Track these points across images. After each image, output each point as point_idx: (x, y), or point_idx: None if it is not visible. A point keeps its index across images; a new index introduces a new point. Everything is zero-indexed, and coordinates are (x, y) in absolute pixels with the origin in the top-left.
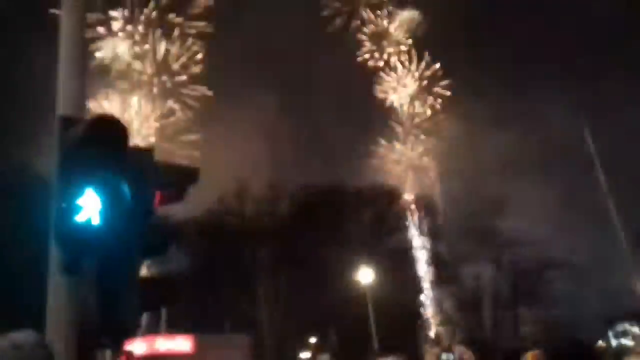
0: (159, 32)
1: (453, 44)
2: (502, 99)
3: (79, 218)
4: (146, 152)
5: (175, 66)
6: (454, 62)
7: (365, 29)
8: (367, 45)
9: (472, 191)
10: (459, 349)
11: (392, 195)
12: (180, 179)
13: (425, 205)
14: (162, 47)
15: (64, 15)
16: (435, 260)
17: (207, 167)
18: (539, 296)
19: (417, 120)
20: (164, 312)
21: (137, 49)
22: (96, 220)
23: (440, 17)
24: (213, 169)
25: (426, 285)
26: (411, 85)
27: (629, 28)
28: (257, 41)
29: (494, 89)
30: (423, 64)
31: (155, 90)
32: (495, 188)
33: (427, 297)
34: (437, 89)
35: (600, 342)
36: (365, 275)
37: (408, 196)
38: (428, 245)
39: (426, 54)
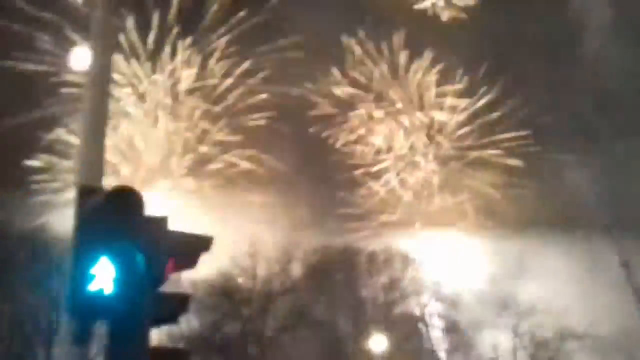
0: None
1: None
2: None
3: (93, 286)
4: (161, 221)
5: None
6: None
7: None
8: None
9: (491, 252)
10: None
11: (407, 259)
12: (193, 248)
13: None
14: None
15: (87, 88)
16: (452, 327)
17: (220, 225)
18: None
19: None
20: None
21: None
22: (109, 289)
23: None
24: (226, 228)
25: (441, 353)
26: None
27: None
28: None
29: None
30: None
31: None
32: (517, 251)
33: None
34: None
35: None
36: (378, 343)
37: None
38: (443, 312)
39: None
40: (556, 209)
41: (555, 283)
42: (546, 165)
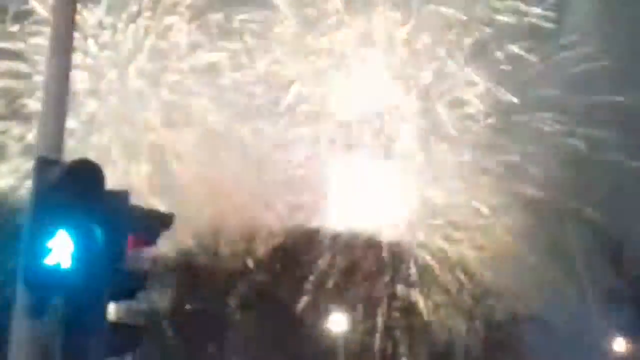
0: None
1: None
2: None
3: (49, 260)
4: (122, 196)
5: None
6: None
7: None
8: None
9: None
10: None
11: (369, 242)
12: (154, 225)
13: (402, 253)
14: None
15: (51, 56)
16: (409, 309)
17: (182, 203)
18: (512, 350)
19: None
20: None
21: None
22: (66, 263)
23: None
24: (189, 206)
25: (398, 333)
26: None
27: None
28: None
29: None
30: None
31: None
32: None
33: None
34: None
35: None
36: (338, 323)
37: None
38: (403, 293)
39: None
40: None
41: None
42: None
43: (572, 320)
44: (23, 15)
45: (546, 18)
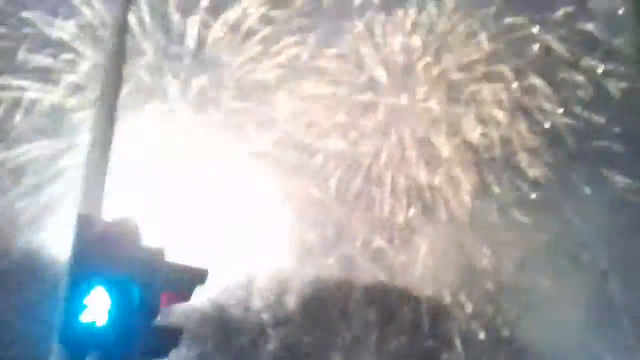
0: None
1: None
2: None
3: (85, 317)
4: (157, 253)
5: None
6: None
7: None
8: None
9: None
10: None
11: (403, 295)
12: (188, 280)
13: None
14: None
15: (95, 119)
16: None
17: (214, 254)
18: None
19: None
20: None
21: None
22: (102, 320)
23: None
24: (220, 257)
25: None
26: None
27: None
28: None
29: None
30: None
31: None
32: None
33: None
34: None
35: None
36: None
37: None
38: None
39: None
40: None
41: None
42: None
43: None
44: None
45: None
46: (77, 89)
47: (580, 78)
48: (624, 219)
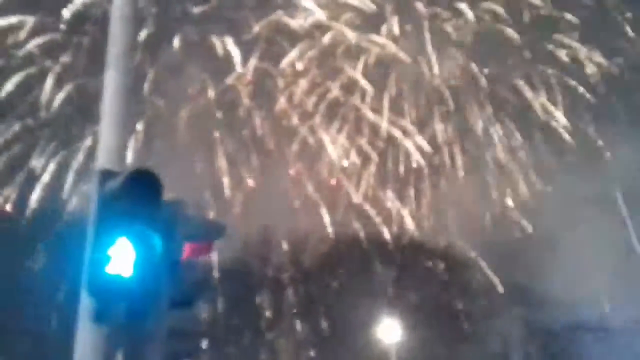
0: None
1: None
2: None
3: (111, 268)
4: (178, 204)
5: None
6: None
7: None
8: None
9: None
10: None
11: (419, 247)
12: (208, 233)
13: (450, 257)
14: None
15: (109, 71)
16: (463, 315)
17: (234, 212)
18: (571, 359)
19: None
20: None
21: None
22: (127, 271)
23: None
24: (239, 215)
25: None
26: None
27: None
28: None
29: None
30: None
31: None
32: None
33: (450, 354)
34: None
35: None
36: (389, 331)
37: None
38: (453, 299)
39: None
40: None
41: None
42: None
43: (635, 330)
44: None
45: None
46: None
47: None
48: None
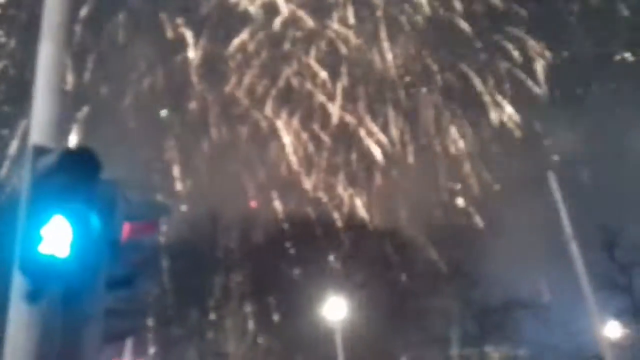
0: None
1: None
2: None
3: (45, 247)
4: (116, 184)
5: None
6: None
7: None
8: None
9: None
10: None
11: (364, 227)
12: (150, 213)
13: (397, 239)
14: None
15: (44, 42)
16: (403, 293)
17: (182, 191)
18: (506, 335)
19: None
20: (129, 340)
21: None
22: (63, 250)
23: None
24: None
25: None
26: None
27: None
28: None
29: None
30: None
31: None
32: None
33: (394, 331)
34: None
35: None
36: (336, 308)
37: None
38: (398, 278)
39: None
40: None
41: None
42: None
43: (566, 307)
44: None
45: None
46: None
47: None
48: None
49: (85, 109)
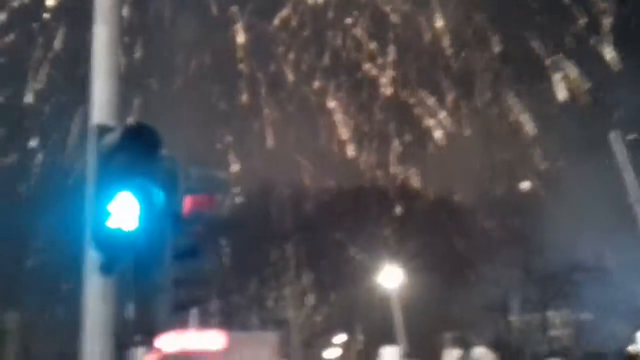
0: None
1: None
2: None
3: (113, 222)
4: (176, 159)
5: None
6: None
7: None
8: None
9: (502, 192)
10: (479, 351)
11: (417, 195)
12: (210, 187)
13: (451, 206)
14: None
15: (98, 25)
16: (459, 260)
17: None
18: (568, 299)
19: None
20: (194, 310)
21: None
22: (130, 224)
23: None
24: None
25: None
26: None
27: None
28: None
29: None
30: None
31: None
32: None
33: (450, 297)
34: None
35: (630, 348)
36: (391, 276)
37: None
38: (454, 246)
39: None
40: None
41: None
42: None
43: (629, 269)
44: None
45: None
46: None
47: None
48: None
49: (136, 94)
